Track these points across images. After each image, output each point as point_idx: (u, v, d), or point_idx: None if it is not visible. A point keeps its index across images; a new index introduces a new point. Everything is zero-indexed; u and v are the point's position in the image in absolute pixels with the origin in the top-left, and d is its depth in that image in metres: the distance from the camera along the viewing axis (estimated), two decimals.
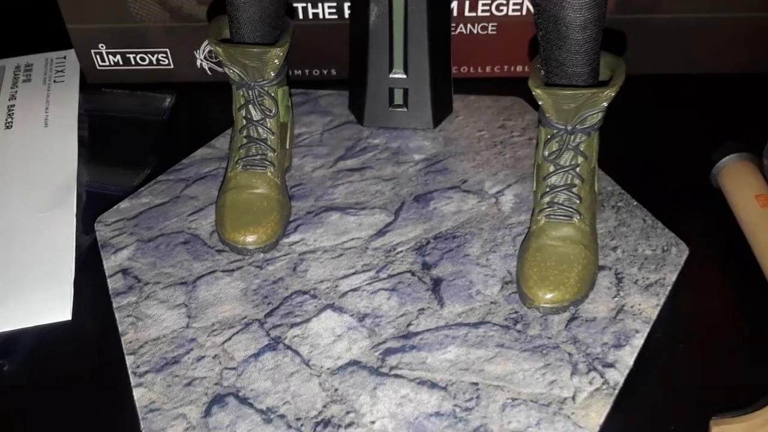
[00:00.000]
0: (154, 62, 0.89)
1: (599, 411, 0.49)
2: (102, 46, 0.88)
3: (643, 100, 0.84)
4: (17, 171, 0.75)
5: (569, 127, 0.55)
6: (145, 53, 0.88)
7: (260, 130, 0.62)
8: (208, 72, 0.89)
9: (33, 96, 0.86)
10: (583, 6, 0.52)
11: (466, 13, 0.80)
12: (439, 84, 0.73)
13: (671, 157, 0.77)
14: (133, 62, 0.89)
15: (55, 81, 0.88)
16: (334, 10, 0.82)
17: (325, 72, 0.85)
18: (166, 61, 0.89)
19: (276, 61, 0.59)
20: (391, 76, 0.71)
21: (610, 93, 0.54)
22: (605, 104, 0.55)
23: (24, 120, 0.82)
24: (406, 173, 0.69)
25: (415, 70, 0.70)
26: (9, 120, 0.82)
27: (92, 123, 0.85)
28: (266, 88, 0.61)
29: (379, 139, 0.72)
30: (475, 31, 0.82)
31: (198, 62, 0.89)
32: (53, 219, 0.69)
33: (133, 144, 0.83)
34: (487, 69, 0.84)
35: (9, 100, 0.85)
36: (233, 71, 0.61)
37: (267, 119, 0.62)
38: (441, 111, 0.75)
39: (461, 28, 0.81)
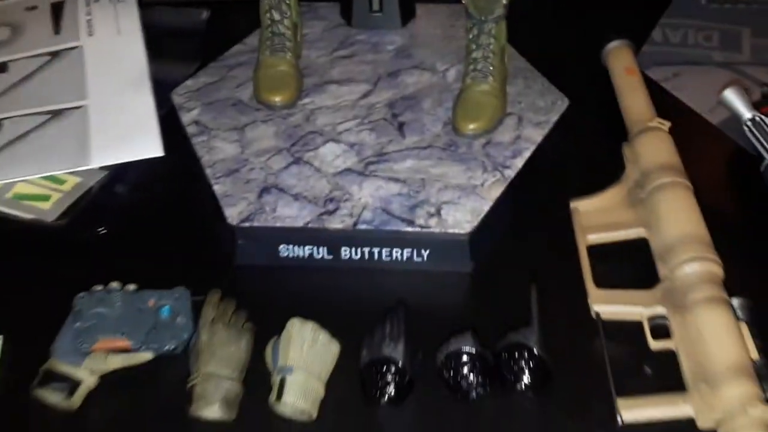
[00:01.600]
0: None
1: (497, 190, 0.80)
2: None
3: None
4: (105, 64, 1.04)
5: (483, 18, 0.84)
6: None
7: (280, 27, 0.91)
8: None
9: (105, 12, 1.12)
10: None
11: None
12: None
13: (572, 44, 1.06)
14: None
15: (118, 1, 1.16)
16: None
17: None
18: None
19: None
20: None
21: None
22: (505, 1, 0.84)
23: (102, 29, 1.09)
24: (381, 58, 0.98)
25: None
26: (90, 29, 1.10)
27: (150, 31, 1.13)
28: None
29: (363, 36, 1.01)
30: None
31: None
32: (137, 93, 0.98)
33: (184, 45, 1.11)
34: None
35: (86, 15, 1.13)
36: None
37: (284, 19, 0.91)
38: (407, 15, 1.03)
39: None
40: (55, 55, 1.03)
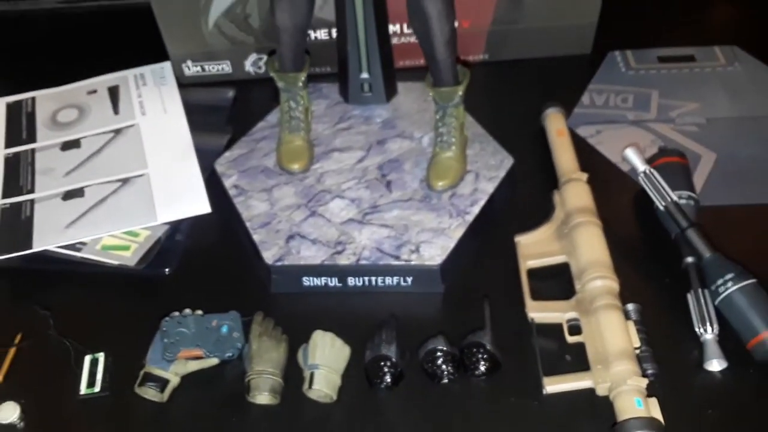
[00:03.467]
0: (220, 69, 1.45)
1: (460, 231, 1.09)
2: (189, 62, 1.45)
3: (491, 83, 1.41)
4: (158, 138, 1.33)
5: (445, 104, 1.13)
6: (214, 64, 1.45)
7: (296, 113, 1.20)
8: (252, 73, 1.46)
9: (152, 94, 1.40)
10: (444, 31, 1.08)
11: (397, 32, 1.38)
12: (388, 77, 1.30)
13: (514, 114, 1.34)
14: (206, 70, 1.46)
15: (162, 84, 1.44)
16: (326, 35, 1.39)
17: (324, 69, 1.43)
18: (228, 68, 1.45)
19: (302, 79, 1.17)
20: (361, 76, 1.28)
21: (463, 87, 1.12)
22: (461, 93, 1.13)
23: (151, 109, 1.38)
24: (372, 129, 1.27)
25: (373, 72, 1.28)
26: (142, 109, 1.39)
27: (189, 108, 1.42)
28: (298, 91, 1.19)
29: (357, 111, 1.30)
30: (406, 41, 1.40)
31: (246, 68, 1.46)
32: (185, 161, 1.26)
33: (215, 119, 1.40)
34: (418, 62, 1.41)
35: (138, 97, 1.41)
36: (281, 83, 1.18)
37: (299, 106, 1.20)
38: (391, 92, 1.32)
39: (398, 39, 1.39)
40: (117, 132, 1.32)
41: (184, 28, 1.36)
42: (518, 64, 1.45)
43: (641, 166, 1.12)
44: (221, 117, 1.37)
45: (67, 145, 1.30)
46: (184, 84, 1.43)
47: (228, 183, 1.19)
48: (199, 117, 1.35)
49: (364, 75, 1.28)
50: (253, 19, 1.36)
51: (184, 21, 1.35)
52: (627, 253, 1.09)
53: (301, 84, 1.17)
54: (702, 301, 1.00)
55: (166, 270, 1.12)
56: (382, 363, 0.96)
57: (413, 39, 1.25)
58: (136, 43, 1.48)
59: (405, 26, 1.38)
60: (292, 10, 1.09)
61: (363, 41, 1.23)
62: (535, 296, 1.03)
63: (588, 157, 1.24)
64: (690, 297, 1.02)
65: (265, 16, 1.35)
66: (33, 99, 1.40)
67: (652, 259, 1.10)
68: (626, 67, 1.42)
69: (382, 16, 1.23)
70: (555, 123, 1.26)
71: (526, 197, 1.19)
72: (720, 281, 0.99)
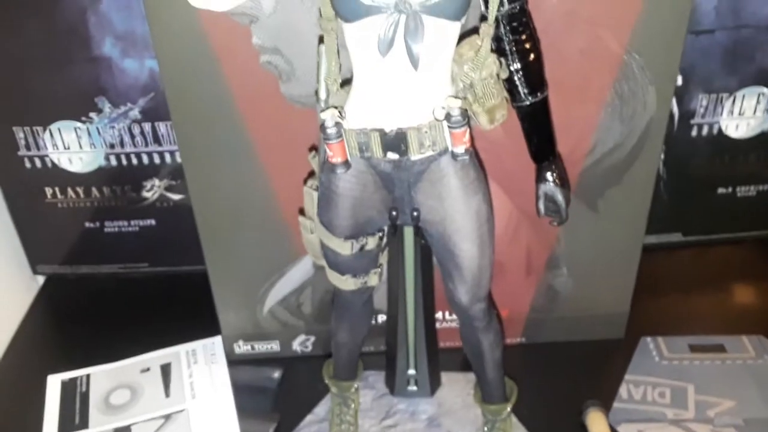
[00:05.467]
0: (269, 348, 1.52)
1: None
2: (240, 341, 1.52)
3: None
4: (205, 425, 1.35)
5: (493, 418, 1.17)
6: (264, 343, 1.52)
7: (346, 416, 1.24)
8: (299, 353, 1.52)
9: (202, 373, 1.46)
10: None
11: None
12: (434, 371, 1.36)
13: (551, 405, 1.38)
14: (255, 349, 1.52)
15: (212, 362, 1.50)
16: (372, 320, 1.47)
17: (368, 348, 1.48)
18: (276, 347, 1.52)
19: (355, 386, 1.23)
20: (408, 372, 1.34)
21: (511, 403, 1.17)
22: (509, 409, 1.17)
23: (201, 390, 1.42)
24: (417, 427, 1.30)
25: (420, 368, 1.33)
26: (193, 392, 1.43)
27: (236, 388, 1.46)
28: (350, 395, 1.24)
29: (403, 405, 1.34)
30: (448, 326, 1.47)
31: (294, 347, 1.52)
32: None
33: (263, 403, 1.44)
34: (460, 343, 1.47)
35: (189, 377, 1.47)
36: (334, 389, 1.24)
37: (350, 410, 1.24)
38: (435, 385, 1.37)
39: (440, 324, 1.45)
40: (167, 417, 1.35)
41: (240, 313, 1.44)
42: (555, 346, 1.50)
43: None
44: (268, 399, 1.41)
45: None
46: (233, 360, 1.48)
47: None
48: (246, 399, 1.39)
49: (411, 371, 1.33)
50: (306, 306, 1.44)
51: (241, 307, 1.44)
52: None
53: (354, 389, 1.23)
54: None
55: None
56: None
57: (455, 324, 1.31)
58: (190, 309, 1.55)
59: (447, 313, 1.46)
60: (354, 329, 1.16)
61: (412, 339, 1.30)
62: None
63: None
64: None
65: (316, 304, 1.44)
66: (88, 376, 1.45)
67: None
68: (659, 356, 1.48)
69: (430, 311, 1.31)
70: (597, 425, 1.29)
71: None
72: None
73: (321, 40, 0.93)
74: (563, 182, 1.04)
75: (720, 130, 1.59)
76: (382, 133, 0.90)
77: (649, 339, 1.51)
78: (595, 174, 1.29)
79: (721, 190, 1.68)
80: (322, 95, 0.96)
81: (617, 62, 1.19)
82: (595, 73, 1.20)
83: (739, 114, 1.57)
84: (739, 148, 1.62)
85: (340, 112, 0.91)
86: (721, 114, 1.57)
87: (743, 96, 1.55)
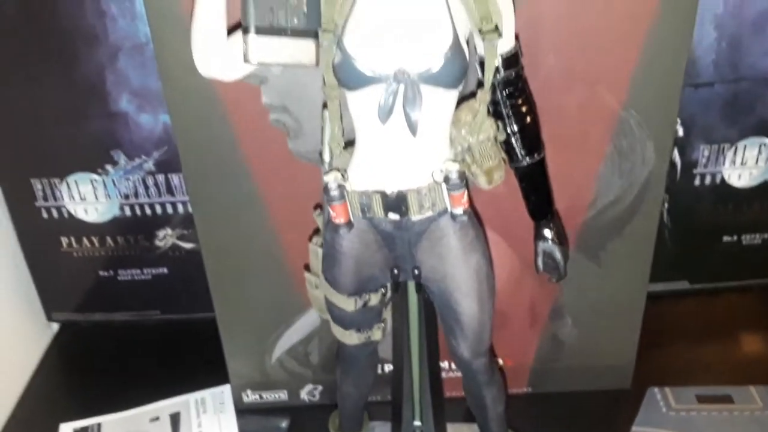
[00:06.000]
0: (276, 397, 1.53)
1: None
2: (248, 390, 1.54)
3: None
4: None
5: None
6: (272, 393, 1.53)
7: None
8: (307, 401, 1.54)
9: (211, 424, 1.48)
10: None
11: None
12: (439, 424, 1.36)
13: None
14: (263, 398, 1.54)
15: (221, 411, 1.52)
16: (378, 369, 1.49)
17: (375, 398, 1.49)
18: (284, 396, 1.53)
19: None
20: (414, 423, 1.35)
21: None
22: None
23: None
24: None
25: (425, 419, 1.34)
26: None
27: None
28: None
29: None
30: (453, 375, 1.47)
31: (301, 396, 1.54)
32: None
33: None
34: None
35: (198, 427, 1.48)
36: None
37: None
38: None
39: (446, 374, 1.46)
40: None
41: (249, 362, 1.46)
42: (561, 396, 1.51)
43: None
44: None
45: None
46: (241, 410, 1.50)
47: None
48: None
49: (417, 422, 1.34)
50: (313, 356, 1.46)
51: (249, 356, 1.46)
52: None
53: None
54: None
55: None
56: None
57: (460, 373, 1.32)
58: (200, 356, 1.58)
59: (452, 364, 1.47)
60: (358, 381, 1.18)
61: (417, 391, 1.31)
62: None
63: None
64: None
65: (324, 353, 1.46)
66: (99, 425, 1.47)
67: None
68: (667, 407, 1.47)
69: (435, 363, 1.32)
70: None
71: None
72: None
73: (325, 105, 0.97)
74: (561, 239, 1.06)
75: (723, 180, 1.61)
76: (384, 195, 0.93)
77: (656, 389, 1.51)
78: (596, 227, 1.31)
79: (726, 238, 1.69)
80: (326, 158, 0.99)
81: (614, 118, 1.22)
82: (593, 129, 1.23)
83: (741, 164, 1.59)
84: (743, 196, 1.63)
85: (342, 174, 0.94)
86: (724, 164, 1.59)
87: (744, 146, 1.57)
